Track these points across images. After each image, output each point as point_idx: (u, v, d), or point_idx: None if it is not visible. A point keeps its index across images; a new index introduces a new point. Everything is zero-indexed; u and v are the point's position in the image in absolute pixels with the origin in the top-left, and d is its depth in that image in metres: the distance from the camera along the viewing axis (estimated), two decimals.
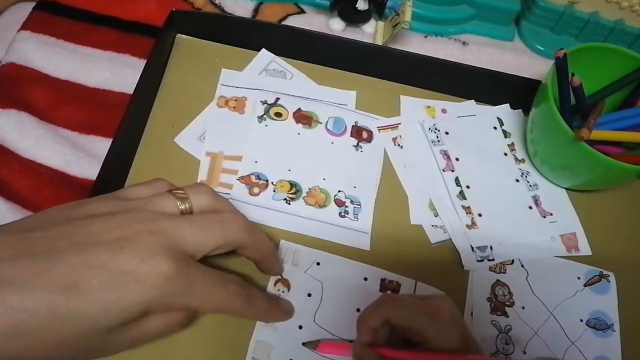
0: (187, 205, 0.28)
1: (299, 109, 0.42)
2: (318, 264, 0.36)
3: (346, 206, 0.39)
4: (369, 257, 0.37)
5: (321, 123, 0.42)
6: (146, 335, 0.27)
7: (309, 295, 0.34)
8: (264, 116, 0.41)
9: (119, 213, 0.26)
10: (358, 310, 0.34)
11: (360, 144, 0.42)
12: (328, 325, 0.34)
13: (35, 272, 0.23)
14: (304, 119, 0.42)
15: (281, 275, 0.35)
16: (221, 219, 0.28)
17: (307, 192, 0.39)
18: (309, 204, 0.38)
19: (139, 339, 0.27)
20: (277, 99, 0.42)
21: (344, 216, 0.38)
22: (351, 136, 0.42)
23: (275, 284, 0.34)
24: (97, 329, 0.24)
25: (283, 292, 0.34)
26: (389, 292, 0.36)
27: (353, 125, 0.42)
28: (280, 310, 0.33)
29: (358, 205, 0.39)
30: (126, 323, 0.25)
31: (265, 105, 0.42)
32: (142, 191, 0.29)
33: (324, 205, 0.38)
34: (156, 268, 0.25)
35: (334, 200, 0.39)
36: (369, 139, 0.42)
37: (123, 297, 0.24)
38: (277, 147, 0.40)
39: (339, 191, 0.39)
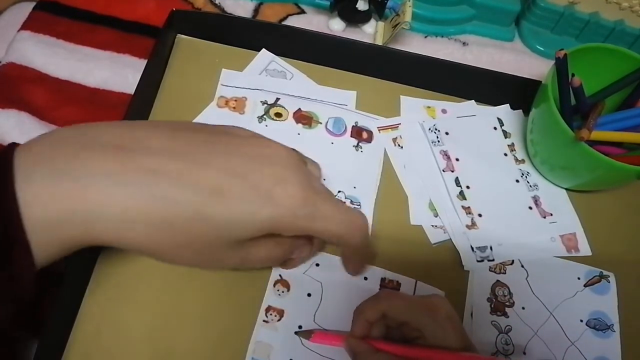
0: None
1: (299, 109, 0.42)
2: (317, 264, 0.36)
3: None
4: None
5: (321, 123, 0.42)
6: (254, 259, 0.29)
7: (309, 295, 0.34)
8: (264, 116, 0.41)
9: (258, 135, 0.29)
10: None
11: (360, 144, 0.42)
12: (328, 325, 0.34)
13: (187, 170, 0.24)
14: (304, 119, 0.42)
15: (280, 276, 0.35)
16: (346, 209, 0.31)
17: None
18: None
19: (246, 262, 0.29)
20: (277, 99, 0.42)
21: None
22: (351, 136, 0.42)
23: (274, 285, 0.34)
24: (227, 237, 0.26)
25: (283, 292, 0.34)
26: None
27: (353, 126, 0.42)
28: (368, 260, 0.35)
29: (358, 205, 0.39)
30: (250, 240, 0.27)
31: (266, 105, 0.42)
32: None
33: None
34: (289, 191, 0.26)
35: None
36: (369, 139, 0.42)
37: (258, 211, 0.25)
38: None
39: (339, 191, 0.39)
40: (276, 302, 0.34)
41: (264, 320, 0.33)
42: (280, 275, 0.35)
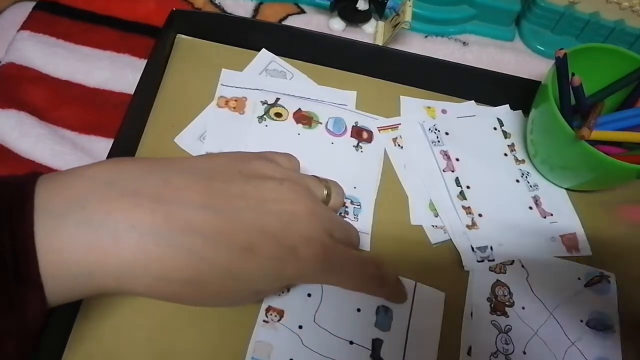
0: (327, 193, 0.32)
1: (299, 109, 0.42)
2: None
3: (346, 206, 0.39)
4: None
5: (321, 123, 0.42)
6: (266, 295, 0.31)
7: (309, 295, 0.34)
8: (264, 116, 0.41)
9: (284, 181, 0.28)
10: (358, 310, 0.34)
11: (360, 144, 0.42)
12: (328, 325, 0.34)
13: (221, 228, 0.24)
14: (304, 119, 0.42)
15: None
16: (351, 227, 0.34)
17: None
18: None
19: (260, 298, 0.31)
20: (277, 99, 0.42)
21: (344, 216, 0.38)
22: (351, 136, 0.42)
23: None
24: (251, 291, 0.27)
25: (283, 292, 0.34)
26: None
27: (353, 126, 0.42)
28: (404, 291, 0.35)
29: (358, 205, 0.39)
30: (275, 288, 0.29)
31: (266, 105, 0.42)
32: (284, 161, 0.32)
33: None
34: (312, 249, 0.27)
35: None
36: (369, 139, 0.42)
37: (283, 269, 0.27)
38: (277, 148, 0.40)
39: None
40: (276, 302, 0.34)
41: (264, 321, 0.33)
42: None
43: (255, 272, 0.26)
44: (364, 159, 0.41)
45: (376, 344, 0.34)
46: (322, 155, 0.41)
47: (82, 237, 0.21)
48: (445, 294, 0.36)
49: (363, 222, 0.38)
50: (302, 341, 0.33)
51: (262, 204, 0.27)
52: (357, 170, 0.41)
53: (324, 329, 0.33)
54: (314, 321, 0.34)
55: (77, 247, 0.21)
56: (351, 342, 0.33)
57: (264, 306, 0.34)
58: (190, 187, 0.25)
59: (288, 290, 0.34)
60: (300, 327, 0.33)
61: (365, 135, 0.42)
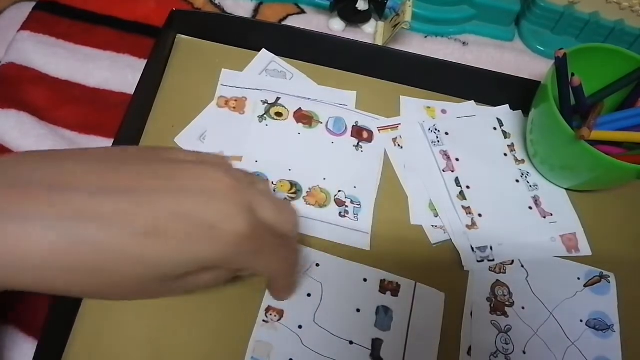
0: (253, 182, 0.29)
1: (300, 108, 0.42)
2: (317, 265, 0.36)
3: (346, 206, 0.39)
4: (368, 257, 0.37)
5: (321, 123, 0.42)
6: (193, 285, 0.27)
7: (309, 295, 0.34)
8: (265, 116, 0.41)
9: (202, 163, 0.27)
10: (358, 310, 0.34)
11: (360, 144, 0.42)
12: (328, 325, 0.34)
13: (121, 210, 0.23)
14: (305, 118, 0.42)
15: None
16: (283, 205, 0.29)
17: (307, 192, 0.39)
18: (309, 204, 0.38)
19: (185, 288, 0.27)
20: (278, 98, 0.42)
21: (344, 216, 0.38)
22: (351, 136, 0.42)
23: None
24: (161, 275, 0.24)
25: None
26: (388, 292, 0.35)
27: (353, 126, 0.42)
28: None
29: (358, 205, 0.39)
30: (188, 273, 0.25)
31: (266, 104, 0.42)
32: (212, 158, 0.29)
33: (324, 205, 0.38)
34: (232, 227, 0.25)
35: (334, 200, 0.39)
36: (370, 139, 0.42)
37: (197, 250, 0.24)
38: (278, 147, 0.40)
39: (339, 191, 0.39)
40: (275, 301, 0.34)
41: (263, 320, 0.33)
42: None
43: (164, 255, 0.23)
44: (364, 158, 0.41)
45: (376, 344, 0.34)
46: (323, 155, 0.41)
47: None
48: (445, 294, 0.36)
49: (363, 221, 0.38)
50: (301, 341, 0.33)
51: (175, 183, 0.25)
52: (357, 169, 0.41)
53: (323, 328, 0.34)
54: (314, 321, 0.34)
55: None
56: (351, 342, 0.33)
57: (263, 306, 0.34)
58: (88, 171, 0.24)
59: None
60: (300, 327, 0.33)
61: (365, 135, 0.42)
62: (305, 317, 0.34)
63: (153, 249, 0.23)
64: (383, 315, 0.35)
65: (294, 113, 0.42)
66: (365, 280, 0.36)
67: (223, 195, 0.25)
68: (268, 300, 0.34)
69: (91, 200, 0.22)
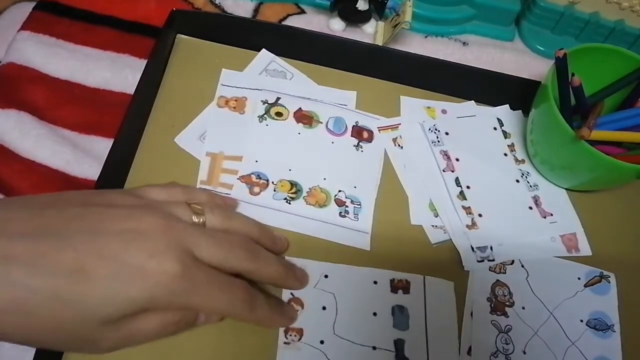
0: (201, 220, 0.29)
1: (300, 108, 0.42)
2: (326, 276, 0.35)
3: (346, 206, 0.39)
4: (368, 257, 0.37)
5: (322, 123, 0.42)
6: (140, 334, 0.26)
7: (324, 308, 0.34)
8: (265, 116, 0.41)
9: (136, 207, 0.27)
10: (375, 314, 0.34)
11: (360, 143, 0.42)
12: (349, 334, 0.33)
13: (44, 253, 0.23)
14: (305, 118, 0.42)
15: (292, 295, 0.34)
16: (229, 241, 0.28)
17: (307, 192, 0.39)
18: (309, 204, 0.38)
19: (133, 338, 0.26)
20: (278, 98, 0.42)
21: (344, 216, 0.38)
22: (352, 136, 0.42)
23: (288, 304, 0.34)
24: (95, 319, 0.24)
25: (297, 310, 0.34)
26: (400, 291, 0.35)
27: (354, 125, 0.42)
28: (282, 317, 0.32)
29: (358, 205, 0.39)
30: (124, 317, 0.25)
31: (266, 104, 0.42)
32: (159, 194, 0.29)
33: (325, 205, 0.38)
34: (162, 266, 0.24)
35: (335, 200, 0.39)
36: (370, 139, 0.42)
37: (126, 290, 0.24)
38: (278, 147, 0.40)
39: (340, 191, 0.39)
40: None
41: (284, 342, 0.33)
42: (292, 294, 0.34)
43: (89, 296, 0.23)
44: (364, 158, 0.41)
45: (398, 344, 0.34)
46: (323, 155, 0.41)
47: None
48: (454, 282, 0.36)
49: (363, 221, 0.38)
50: (326, 356, 0.32)
51: (102, 225, 0.25)
52: (358, 169, 0.41)
53: (345, 339, 0.33)
54: (334, 333, 0.33)
55: None
56: (374, 348, 0.33)
57: (282, 328, 0.33)
58: (13, 218, 0.24)
59: (303, 307, 0.34)
60: (322, 342, 0.33)
61: (365, 134, 0.42)
62: (325, 332, 0.33)
63: (80, 289, 0.23)
64: (399, 314, 0.35)
65: (294, 113, 0.42)
66: (375, 282, 0.36)
67: (152, 236, 0.25)
68: None
69: (14, 245, 0.22)
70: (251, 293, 0.29)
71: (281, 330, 0.33)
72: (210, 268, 0.27)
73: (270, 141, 0.40)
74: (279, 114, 0.42)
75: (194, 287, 0.26)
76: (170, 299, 0.25)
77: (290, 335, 0.33)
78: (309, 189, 0.39)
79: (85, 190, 0.28)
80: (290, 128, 0.41)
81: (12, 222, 0.24)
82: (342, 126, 0.42)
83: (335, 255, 0.36)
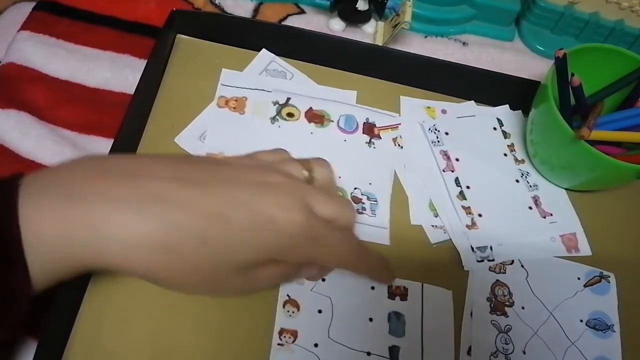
0: (311, 175, 0.31)
1: (310, 108, 0.42)
2: (323, 280, 0.35)
3: (363, 203, 0.39)
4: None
5: (333, 121, 0.42)
6: (261, 282, 0.29)
7: (320, 311, 0.34)
8: (277, 117, 0.41)
9: (257, 166, 0.29)
10: (370, 319, 0.34)
11: (372, 140, 0.42)
12: (343, 339, 0.33)
13: (190, 196, 0.25)
14: (316, 118, 0.42)
15: (288, 296, 0.34)
16: (339, 199, 0.32)
17: None
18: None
19: (253, 285, 0.29)
20: (289, 99, 0.42)
21: (361, 213, 0.38)
22: (363, 133, 0.42)
23: (284, 306, 0.34)
24: (229, 263, 0.26)
25: (293, 312, 0.34)
26: (397, 297, 0.35)
27: (364, 122, 0.42)
28: (387, 271, 0.35)
29: (375, 201, 0.39)
30: (254, 264, 0.27)
31: (277, 105, 0.42)
32: (271, 156, 0.32)
33: None
34: (293, 217, 0.27)
35: (351, 197, 0.39)
36: (381, 135, 0.42)
37: (259, 237, 0.26)
38: (292, 148, 0.40)
39: (355, 188, 0.39)
40: (288, 323, 0.33)
41: (278, 344, 0.33)
42: (288, 295, 0.34)
43: (230, 240, 0.25)
44: (377, 154, 0.41)
45: (393, 351, 0.34)
46: (336, 153, 0.40)
47: (60, 210, 0.22)
48: (452, 291, 0.36)
49: (380, 217, 0.38)
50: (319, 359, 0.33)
51: (236, 177, 0.27)
52: (372, 166, 0.41)
53: (339, 343, 0.33)
54: (329, 337, 0.33)
55: (57, 220, 0.22)
56: (368, 353, 0.33)
57: (276, 329, 0.33)
58: (162, 166, 0.26)
59: (298, 310, 0.34)
60: (316, 345, 0.33)
61: (376, 131, 0.42)
62: (319, 335, 0.33)
63: (221, 234, 0.25)
64: (395, 321, 0.34)
65: (305, 113, 0.42)
66: (372, 288, 0.35)
67: (280, 190, 0.27)
68: (280, 322, 0.33)
69: (168, 186, 0.25)
70: (361, 244, 0.33)
71: (275, 331, 0.33)
72: (326, 221, 0.29)
73: (283, 143, 0.40)
74: (290, 115, 0.42)
75: (316, 238, 0.28)
76: (295, 249, 0.28)
77: (285, 336, 0.33)
78: None
79: (208, 157, 0.31)
80: (302, 128, 0.41)
81: (159, 168, 0.26)
82: (354, 124, 0.42)
83: None
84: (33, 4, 0.46)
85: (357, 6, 0.47)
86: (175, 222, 0.24)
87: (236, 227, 0.25)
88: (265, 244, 0.26)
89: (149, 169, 0.25)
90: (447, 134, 0.43)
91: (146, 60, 0.41)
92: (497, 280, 0.38)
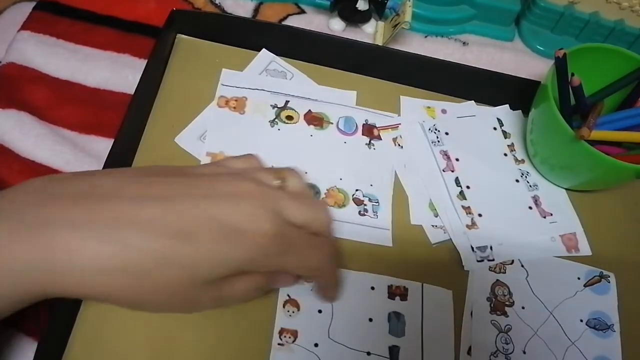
0: (283, 183, 0.30)
1: (309, 110, 0.42)
2: None
3: (365, 204, 0.39)
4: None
5: (332, 123, 0.42)
6: (233, 295, 0.28)
7: (320, 311, 0.34)
8: (276, 120, 0.41)
9: (226, 175, 0.28)
10: (370, 320, 0.34)
11: (372, 141, 0.42)
12: (343, 339, 0.33)
13: (152, 215, 0.24)
14: (315, 120, 0.42)
15: (289, 296, 0.34)
16: (313, 204, 0.31)
17: (325, 193, 0.39)
18: (328, 205, 0.38)
19: (226, 299, 0.28)
20: (287, 101, 0.42)
21: (363, 214, 0.38)
22: (363, 134, 0.42)
23: (284, 305, 0.34)
24: (199, 279, 0.25)
25: (293, 312, 0.34)
26: (397, 297, 0.35)
27: (364, 124, 0.42)
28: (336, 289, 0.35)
29: (376, 202, 0.39)
30: (224, 278, 0.26)
31: (276, 108, 0.42)
32: (240, 163, 0.31)
33: (343, 205, 0.39)
34: (260, 228, 0.26)
35: (353, 199, 0.39)
36: (380, 136, 0.42)
37: (229, 251, 0.25)
38: (292, 151, 0.40)
39: (357, 190, 0.39)
40: (288, 323, 0.33)
41: (278, 344, 0.33)
42: (288, 295, 0.34)
43: (195, 257, 0.25)
44: (377, 156, 0.41)
45: (393, 351, 0.34)
46: (337, 155, 0.41)
47: (17, 238, 0.22)
48: (452, 291, 0.36)
49: (382, 218, 0.38)
50: (319, 359, 0.32)
51: (200, 190, 0.26)
52: (372, 167, 0.41)
53: (339, 343, 0.33)
54: (329, 337, 0.33)
55: (14, 248, 0.22)
56: (368, 353, 0.33)
57: (276, 329, 0.33)
58: (118, 185, 0.25)
59: (298, 310, 0.34)
60: (316, 345, 0.33)
61: (376, 132, 0.42)
62: (319, 335, 0.33)
63: (186, 250, 0.24)
64: (395, 321, 0.34)
65: (304, 115, 0.42)
66: (372, 288, 0.35)
67: (248, 200, 0.26)
68: (280, 322, 0.33)
69: (126, 207, 0.24)
70: (336, 252, 0.32)
71: (275, 331, 0.33)
72: (298, 228, 0.28)
73: (284, 146, 0.40)
74: (289, 118, 0.42)
75: (288, 247, 0.27)
76: (266, 260, 0.27)
77: (285, 336, 0.33)
78: (327, 190, 0.39)
79: (177, 166, 0.30)
80: (302, 131, 0.41)
81: (117, 188, 0.25)
82: (353, 125, 0.42)
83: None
84: (33, 4, 0.46)
85: (357, 6, 0.47)
86: (135, 245, 0.23)
87: (202, 242, 0.25)
88: (233, 257, 0.26)
89: (108, 189, 0.25)
90: (447, 133, 0.43)
91: (146, 60, 0.41)
92: (497, 280, 0.38)
